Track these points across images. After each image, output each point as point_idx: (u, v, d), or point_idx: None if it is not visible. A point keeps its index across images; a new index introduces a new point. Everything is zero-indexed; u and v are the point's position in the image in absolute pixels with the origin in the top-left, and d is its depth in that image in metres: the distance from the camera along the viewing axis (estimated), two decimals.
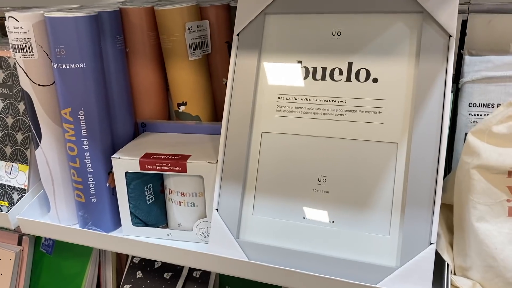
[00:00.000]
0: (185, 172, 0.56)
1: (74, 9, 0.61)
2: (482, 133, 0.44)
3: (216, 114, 0.68)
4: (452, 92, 0.55)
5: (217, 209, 0.55)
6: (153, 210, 0.61)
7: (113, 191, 0.62)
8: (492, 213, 0.44)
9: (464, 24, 0.59)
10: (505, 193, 0.43)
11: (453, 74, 0.53)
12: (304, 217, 0.52)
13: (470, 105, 0.52)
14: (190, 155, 0.57)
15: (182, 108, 0.65)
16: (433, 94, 0.48)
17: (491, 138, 0.44)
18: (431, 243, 0.46)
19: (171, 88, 0.66)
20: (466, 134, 0.53)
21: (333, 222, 0.51)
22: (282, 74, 0.54)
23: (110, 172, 0.61)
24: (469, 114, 0.52)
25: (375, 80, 0.51)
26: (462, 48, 0.60)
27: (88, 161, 0.59)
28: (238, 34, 0.56)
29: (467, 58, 0.53)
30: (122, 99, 0.64)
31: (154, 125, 0.67)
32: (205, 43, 0.64)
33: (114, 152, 0.61)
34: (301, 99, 0.54)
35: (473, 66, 0.52)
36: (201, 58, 0.64)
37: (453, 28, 0.47)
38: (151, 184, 0.61)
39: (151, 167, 0.57)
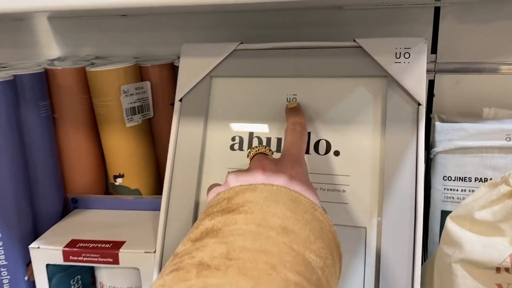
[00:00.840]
0: (117, 263, 0.47)
1: None
2: (463, 219, 0.38)
3: (160, 186, 0.60)
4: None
5: None
6: None
7: (33, 285, 0.51)
8: None
9: (431, 84, 0.55)
10: None
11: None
12: None
13: (445, 178, 0.46)
14: (124, 242, 0.48)
15: (119, 180, 0.56)
16: (404, 170, 0.41)
17: (474, 225, 0.37)
18: None
19: (107, 158, 0.57)
20: (442, 211, 0.47)
21: None
22: (232, 145, 0.47)
23: (29, 262, 0.51)
24: (444, 188, 0.46)
25: (336, 153, 0.44)
26: (431, 111, 0.55)
27: (1, 251, 0.49)
28: (180, 100, 0.48)
29: (438, 125, 0.47)
30: (48, 173, 0.55)
31: (87, 201, 0.57)
32: (145, 106, 0.56)
33: (36, 236, 0.51)
34: None
35: (445, 134, 0.46)
36: (141, 123, 0.56)
37: (422, 95, 0.42)
38: (79, 276, 0.51)
39: (76, 258, 0.48)
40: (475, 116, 0.50)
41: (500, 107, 0.50)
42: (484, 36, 0.52)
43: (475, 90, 0.53)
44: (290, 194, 0.31)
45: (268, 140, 0.46)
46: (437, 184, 0.46)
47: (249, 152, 0.40)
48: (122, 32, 0.63)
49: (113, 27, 0.63)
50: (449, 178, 0.46)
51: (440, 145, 0.46)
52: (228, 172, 0.36)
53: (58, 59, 0.64)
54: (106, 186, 0.61)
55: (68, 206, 0.58)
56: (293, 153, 0.37)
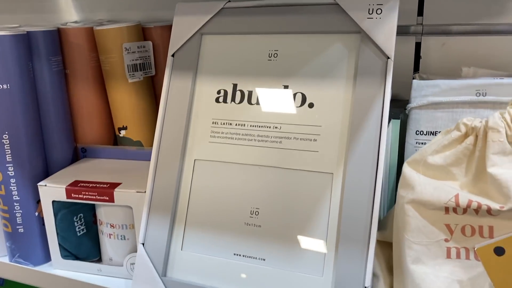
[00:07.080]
0: (113, 201, 0.52)
1: (8, 28, 0.59)
2: (417, 163, 0.40)
3: None
4: (400, 118, 0.51)
5: (143, 244, 0.50)
6: (83, 243, 0.57)
7: (43, 221, 0.58)
8: (429, 254, 0.39)
9: (418, 46, 0.56)
10: (442, 232, 0.38)
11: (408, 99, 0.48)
12: (235, 254, 0.48)
13: (417, 132, 0.48)
14: (120, 184, 0.53)
15: (123, 132, 0.62)
16: (370, 121, 0.44)
17: (427, 169, 0.39)
18: (365, 287, 0.41)
19: (112, 111, 0.62)
20: None
21: (264, 259, 0.46)
22: (217, 97, 0.51)
23: (39, 200, 0.57)
24: (416, 142, 0.48)
25: (310, 105, 0.47)
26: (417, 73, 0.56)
27: (14, 188, 0.56)
28: (172, 55, 0.53)
29: (414, 83, 0.49)
30: (59, 123, 0.60)
31: (95, 151, 0.63)
32: (147, 64, 0.61)
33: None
34: (236, 124, 0.50)
35: (420, 91, 0.48)
36: (143, 80, 0.61)
37: (391, 49, 0.44)
38: (81, 214, 0.57)
39: (77, 195, 0.53)
40: (455, 76, 0.51)
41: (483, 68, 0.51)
42: None
43: (459, 51, 0.54)
44: None
45: (250, 93, 0.50)
46: (410, 138, 0.48)
47: None
48: None
49: None
50: (421, 133, 0.48)
51: (415, 101, 0.48)
52: None
53: (75, 22, 0.70)
54: (115, 138, 0.66)
55: (78, 154, 0.64)
56: None
